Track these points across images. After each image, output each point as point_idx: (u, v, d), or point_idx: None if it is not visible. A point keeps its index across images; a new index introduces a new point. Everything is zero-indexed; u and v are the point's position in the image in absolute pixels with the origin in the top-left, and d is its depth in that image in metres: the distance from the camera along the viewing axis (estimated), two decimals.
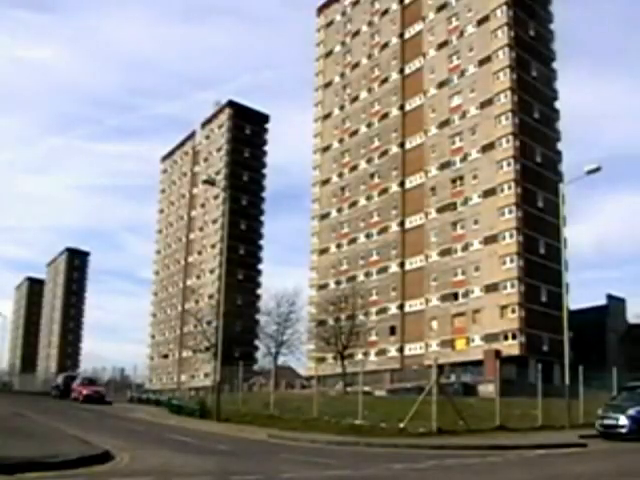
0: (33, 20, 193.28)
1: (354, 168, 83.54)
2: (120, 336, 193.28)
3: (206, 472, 9.71)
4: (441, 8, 75.60)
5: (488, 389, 41.77)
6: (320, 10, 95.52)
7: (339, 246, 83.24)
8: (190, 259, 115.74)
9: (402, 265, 74.29)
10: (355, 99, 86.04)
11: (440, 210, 70.86)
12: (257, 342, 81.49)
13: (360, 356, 65.95)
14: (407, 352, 71.47)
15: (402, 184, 76.35)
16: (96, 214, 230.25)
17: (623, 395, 20.07)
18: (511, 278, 63.16)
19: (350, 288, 68.77)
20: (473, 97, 70.06)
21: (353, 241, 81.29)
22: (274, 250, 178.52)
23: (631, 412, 17.99)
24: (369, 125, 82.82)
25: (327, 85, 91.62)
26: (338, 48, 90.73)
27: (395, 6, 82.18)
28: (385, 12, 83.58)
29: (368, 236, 79.20)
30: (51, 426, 15.66)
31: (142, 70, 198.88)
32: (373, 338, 72.50)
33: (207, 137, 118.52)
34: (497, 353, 54.99)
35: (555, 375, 47.30)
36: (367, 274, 77.55)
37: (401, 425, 18.55)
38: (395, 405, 25.91)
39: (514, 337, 61.97)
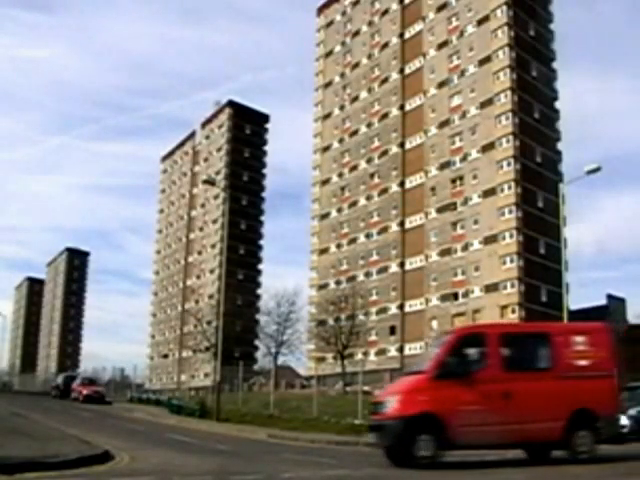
0: (33, 20, 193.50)
1: (354, 168, 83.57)
2: (120, 336, 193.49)
3: (206, 472, 9.70)
4: (441, 8, 75.62)
5: None
6: (320, 10, 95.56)
7: (339, 246, 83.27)
8: (190, 259, 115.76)
9: (402, 265, 74.30)
10: (355, 99, 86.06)
11: (440, 210, 70.88)
12: (257, 342, 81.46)
13: (360, 356, 65.91)
14: (407, 352, 71.44)
15: (402, 184, 76.37)
16: (96, 214, 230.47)
17: (623, 395, 20.03)
18: (511, 278, 63.19)
19: (350, 288, 68.76)
20: (473, 97, 70.08)
21: (353, 241, 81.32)
22: (274, 250, 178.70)
23: (632, 412, 17.98)
24: (369, 125, 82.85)
25: (327, 85, 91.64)
26: (338, 48, 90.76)
27: (395, 6, 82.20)
28: (385, 12, 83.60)
29: (368, 236, 79.22)
30: (51, 426, 15.66)
31: (142, 70, 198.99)
32: (373, 338, 72.50)
33: (207, 137, 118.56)
34: None
35: None
36: (367, 274, 77.57)
37: None
38: None
39: None
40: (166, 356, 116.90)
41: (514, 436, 10.64)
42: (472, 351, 11.13)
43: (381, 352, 73.12)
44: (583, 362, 11.06)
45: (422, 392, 10.64)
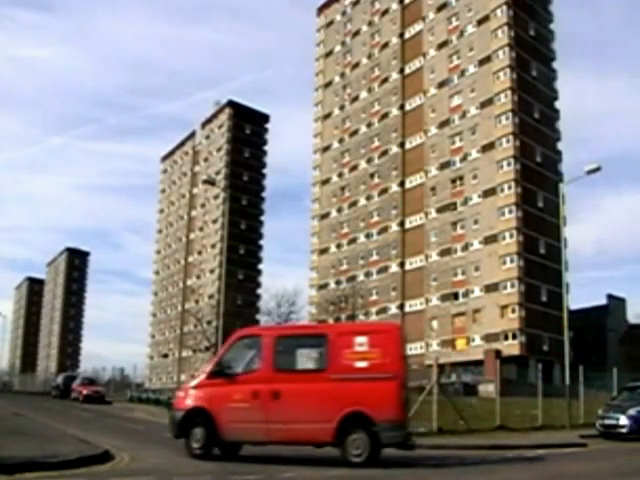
0: (33, 20, 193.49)
1: (354, 168, 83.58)
2: (120, 336, 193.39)
3: (206, 472, 9.69)
4: (441, 8, 75.64)
5: (488, 389, 41.76)
6: (320, 10, 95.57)
7: (339, 246, 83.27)
8: (190, 259, 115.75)
9: (402, 265, 74.30)
10: (355, 99, 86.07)
11: (440, 210, 70.88)
12: None
13: None
14: (408, 352, 71.08)
15: (402, 184, 76.38)
16: (96, 214, 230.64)
17: (623, 395, 20.07)
18: (511, 278, 63.20)
19: (350, 288, 68.83)
20: (473, 97, 70.09)
21: (353, 241, 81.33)
22: (274, 250, 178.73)
23: (632, 412, 17.99)
24: (369, 125, 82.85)
25: (327, 85, 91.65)
26: (338, 48, 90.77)
27: (395, 6, 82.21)
28: (385, 12, 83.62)
29: (368, 236, 79.23)
30: (51, 426, 15.64)
31: (142, 70, 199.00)
32: None
33: (207, 137, 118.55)
34: (497, 353, 55.06)
35: (555, 375, 47.33)
36: (367, 274, 77.57)
37: None
38: None
39: (514, 337, 62.00)
40: (166, 356, 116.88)
41: (282, 435, 10.87)
42: (247, 351, 11.64)
43: None
44: (363, 364, 10.68)
45: (200, 388, 11.58)
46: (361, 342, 10.80)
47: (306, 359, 11.40)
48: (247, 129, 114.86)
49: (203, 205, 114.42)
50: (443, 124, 72.83)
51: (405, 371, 10.94)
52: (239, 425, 10.98)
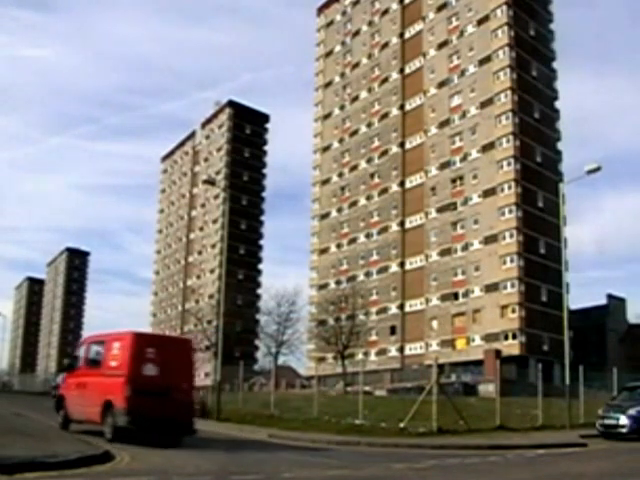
0: (33, 20, 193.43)
1: (354, 168, 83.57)
2: None
3: (206, 472, 9.69)
4: (441, 8, 75.64)
5: (488, 389, 41.76)
6: (320, 10, 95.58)
7: (339, 246, 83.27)
8: (190, 259, 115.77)
9: (402, 265, 74.30)
10: (355, 99, 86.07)
11: (440, 210, 70.88)
12: (257, 342, 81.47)
13: (360, 356, 65.93)
14: (407, 352, 71.48)
15: (402, 184, 76.39)
16: (96, 214, 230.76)
17: (623, 395, 20.06)
18: (511, 278, 63.19)
19: (350, 288, 68.84)
20: (473, 97, 70.08)
21: (353, 241, 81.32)
22: (274, 250, 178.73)
23: (632, 412, 17.98)
24: (369, 125, 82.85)
25: (327, 85, 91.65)
26: (338, 48, 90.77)
27: (395, 6, 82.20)
28: (385, 12, 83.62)
29: (368, 236, 79.23)
30: (51, 426, 15.67)
31: (142, 70, 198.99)
32: (373, 338, 72.50)
33: (207, 137, 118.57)
34: (497, 353, 55.01)
35: (555, 375, 47.34)
36: (367, 274, 77.57)
37: (401, 425, 18.54)
38: (395, 405, 25.88)
39: (514, 337, 61.99)
40: None
41: (86, 416, 14.35)
42: (79, 352, 15.85)
43: (382, 352, 73.11)
44: (114, 363, 13.79)
45: (65, 380, 16.10)
46: (116, 346, 14.02)
47: (96, 359, 14.73)
48: (247, 129, 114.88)
49: (203, 205, 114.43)
50: (443, 124, 72.81)
51: (137, 370, 13.26)
52: (74, 408, 14.75)
